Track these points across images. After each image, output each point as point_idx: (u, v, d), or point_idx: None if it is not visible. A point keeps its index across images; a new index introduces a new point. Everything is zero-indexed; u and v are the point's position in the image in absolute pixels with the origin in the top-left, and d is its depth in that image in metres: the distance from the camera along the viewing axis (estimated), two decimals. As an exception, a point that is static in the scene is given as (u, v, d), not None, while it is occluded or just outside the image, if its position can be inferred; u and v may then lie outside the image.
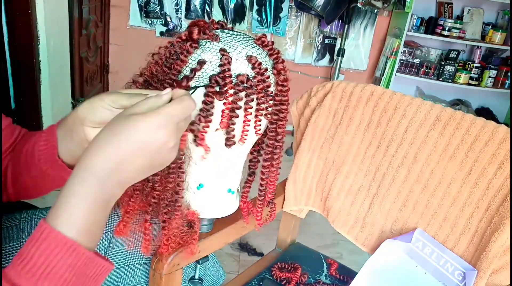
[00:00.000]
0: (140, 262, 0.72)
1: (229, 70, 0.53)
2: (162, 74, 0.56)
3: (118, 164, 0.42)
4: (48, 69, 1.85)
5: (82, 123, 0.54)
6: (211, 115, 0.55)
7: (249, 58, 0.55)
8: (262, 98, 0.56)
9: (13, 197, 0.65)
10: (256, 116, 0.57)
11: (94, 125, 0.54)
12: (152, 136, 0.43)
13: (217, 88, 0.54)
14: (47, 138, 0.58)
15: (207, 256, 0.73)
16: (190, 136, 0.57)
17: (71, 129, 0.56)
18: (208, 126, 0.55)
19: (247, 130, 0.57)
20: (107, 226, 0.69)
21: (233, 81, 0.54)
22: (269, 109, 0.59)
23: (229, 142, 0.57)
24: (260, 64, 0.55)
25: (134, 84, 0.59)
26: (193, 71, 0.53)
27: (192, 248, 0.64)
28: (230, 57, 0.54)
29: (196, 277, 0.76)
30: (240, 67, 0.55)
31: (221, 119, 0.55)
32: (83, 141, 0.55)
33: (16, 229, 0.66)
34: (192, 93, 0.54)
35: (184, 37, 0.55)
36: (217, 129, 0.57)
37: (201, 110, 0.54)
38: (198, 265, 0.74)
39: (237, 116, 0.55)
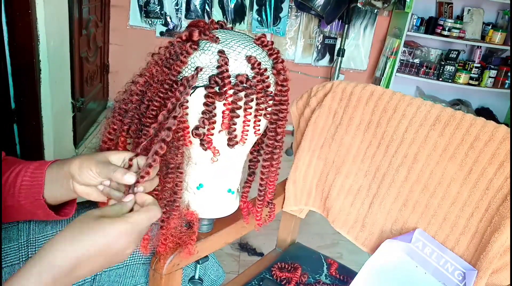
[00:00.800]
0: (139, 262, 0.72)
1: (227, 71, 0.53)
2: (162, 75, 0.56)
3: (77, 262, 0.44)
4: (48, 69, 1.85)
5: (72, 178, 0.56)
6: (214, 116, 0.55)
7: (249, 58, 0.55)
8: (262, 98, 0.56)
9: None
10: (255, 116, 0.57)
11: (81, 184, 0.56)
12: (116, 241, 0.46)
13: (216, 89, 0.54)
14: (33, 174, 0.58)
15: (207, 256, 0.73)
16: (196, 141, 0.57)
17: (62, 178, 0.57)
18: (213, 128, 0.55)
19: (247, 130, 0.57)
20: None
21: (233, 81, 0.54)
22: (269, 109, 0.59)
23: (231, 142, 0.57)
24: (259, 64, 0.55)
25: (134, 84, 0.59)
26: (193, 77, 0.54)
27: (190, 248, 0.64)
28: (227, 58, 0.54)
29: (196, 277, 0.76)
30: (239, 67, 0.55)
31: (222, 120, 0.55)
32: (70, 191, 0.57)
33: (15, 230, 0.66)
34: (192, 93, 0.54)
35: (184, 38, 0.55)
36: (220, 131, 0.57)
37: (203, 112, 0.54)
38: (198, 265, 0.74)
39: (237, 116, 0.56)
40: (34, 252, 0.65)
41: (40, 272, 0.42)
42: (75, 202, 0.63)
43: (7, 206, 0.60)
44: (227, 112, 0.55)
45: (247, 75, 0.55)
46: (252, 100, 0.56)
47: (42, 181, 0.57)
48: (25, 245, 0.66)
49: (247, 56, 0.56)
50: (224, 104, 0.54)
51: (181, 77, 0.55)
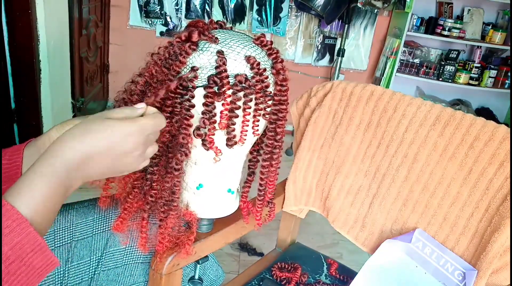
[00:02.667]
0: (138, 261, 0.72)
1: (225, 71, 0.53)
2: (161, 75, 0.56)
3: (87, 158, 0.45)
4: (48, 69, 1.85)
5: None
6: (214, 115, 0.55)
7: (248, 58, 0.55)
8: (261, 98, 0.56)
9: None
10: (254, 116, 0.57)
11: None
12: (123, 141, 0.47)
13: (215, 89, 0.54)
14: (10, 157, 0.58)
15: (206, 256, 0.73)
16: (197, 141, 0.57)
17: (40, 150, 0.57)
18: (214, 128, 0.55)
19: (246, 130, 0.57)
20: (104, 225, 0.69)
21: (231, 81, 0.54)
22: (268, 109, 0.59)
23: (230, 142, 0.57)
24: (258, 64, 0.55)
25: (134, 84, 0.59)
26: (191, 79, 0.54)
27: (188, 248, 0.64)
28: (225, 58, 0.54)
29: (196, 277, 0.76)
30: (238, 67, 0.55)
31: (220, 120, 0.55)
32: None
33: None
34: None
35: (183, 38, 0.55)
36: (215, 129, 0.57)
37: (203, 113, 0.54)
38: (198, 265, 0.74)
39: (236, 116, 0.55)
40: None
41: (53, 163, 0.43)
42: None
43: None
44: (225, 112, 0.55)
45: (246, 75, 0.55)
46: (251, 100, 0.56)
47: (19, 161, 0.58)
48: None
49: (246, 56, 0.56)
50: (223, 104, 0.54)
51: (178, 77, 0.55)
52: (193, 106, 0.54)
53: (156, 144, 0.53)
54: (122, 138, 0.47)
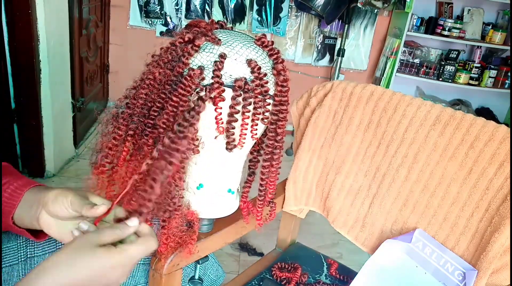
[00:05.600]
0: (139, 262, 0.71)
1: (218, 77, 0.53)
2: (165, 76, 0.56)
3: None
4: (48, 69, 1.85)
5: (42, 205, 0.55)
6: (196, 115, 0.54)
7: (249, 62, 0.55)
8: (260, 103, 0.56)
9: None
10: (252, 120, 0.57)
11: (49, 213, 0.55)
12: (111, 273, 0.46)
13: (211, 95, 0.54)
14: (11, 195, 0.58)
15: (207, 256, 0.73)
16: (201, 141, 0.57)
17: (32, 204, 0.56)
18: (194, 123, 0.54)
19: (245, 134, 0.57)
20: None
21: (231, 84, 0.54)
22: (266, 113, 0.59)
23: (229, 146, 0.57)
24: (259, 68, 0.55)
25: (139, 88, 0.58)
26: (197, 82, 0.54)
27: (191, 248, 0.64)
28: (221, 65, 0.54)
29: (196, 277, 0.76)
30: (239, 70, 0.55)
31: (217, 126, 0.55)
32: (33, 219, 0.56)
33: None
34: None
35: (186, 39, 0.55)
36: (216, 137, 0.57)
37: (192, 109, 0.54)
38: (198, 265, 0.74)
39: (236, 120, 0.56)
40: (32, 253, 0.65)
41: None
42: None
43: None
44: (219, 117, 0.55)
45: (245, 78, 0.55)
46: (250, 104, 0.56)
47: (16, 202, 0.57)
48: (23, 245, 0.66)
49: (247, 59, 0.55)
50: (215, 110, 0.54)
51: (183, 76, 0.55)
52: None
53: None
54: (109, 271, 0.45)
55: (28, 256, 0.65)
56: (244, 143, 0.58)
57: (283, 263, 0.98)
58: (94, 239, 0.47)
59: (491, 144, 0.70)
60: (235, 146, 0.57)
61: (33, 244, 0.66)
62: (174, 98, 0.54)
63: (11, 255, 0.64)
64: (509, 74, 3.00)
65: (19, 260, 0.64)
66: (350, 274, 0.95)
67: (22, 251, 0.65)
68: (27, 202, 0.57)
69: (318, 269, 0.98)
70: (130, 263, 0.48)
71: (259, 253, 1.71)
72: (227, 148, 0.58)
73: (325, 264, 1.00)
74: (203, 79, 0.54)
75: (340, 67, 2.83)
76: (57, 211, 0.54)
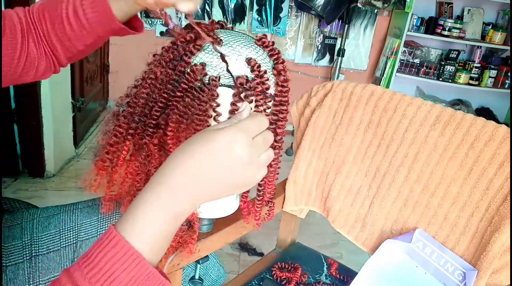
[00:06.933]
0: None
1: (215, 84, 0.54)
2: (166, 76, 0.56)
3: (192, 179, 0.42)
4: (48, 69, 1.85)
5: None
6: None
7: (249, 61, 0.56)
8: (261, 101, 0.57)
9: (67, 63, 0.68)
10: None
11: None
12: (228, 150, 0.42)
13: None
14: (93, 4, 0.60)
15: (207, 256, 0.73)
16: None
17: None
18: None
19: None
20: (108, 225, 0.70)
21: (232, 84, 0.55)
22: (268, 111, 0.59)
23: None
24: (259, 66, 0.56)
25: (140, 87, 0.59)
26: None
27: (191, 247, 0.64)
28: (226, 62, 0.54)
29: (196, 277, 0.76)
30: (239, 68, 0.55)
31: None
32: (134, 2, 0.62)
33: (18, 228, 0.66)
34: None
35: (188, 39, 0.56)
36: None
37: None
38: (199, 265, 0.74)
39: None
40: (38, 251, 0.65)
41: (158, 192, 0.41)
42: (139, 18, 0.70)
43: (89, 44, 0.64)
44: (220, 116, 0.55)
45: (247, 76, 0.55)
46: (251, 102, 0.56)
47: (107, 6, 0.60)
48: (29, 243, 0.66)
49: (247, 58, 0.56)
50: (214, 109, 0.55)
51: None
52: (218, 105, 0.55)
53: (271, 150, 0.48)
54: (225, 148, 0.42)
55: (33, 254, 0.65)
56: None
57: (283, 263, 0.98)
58: (207, 129, 0.45)
59: (491, 144, 0.70)
60: None
61: (37, 243, 0.66)
62: (178, 93, 0.54)
63: (16, 254, 0.65)
64: (509, 74, 3.00)
65: (24, 258, 0.65)
66: (350, 274, 0.95)
67: (27, 250, 0.65)
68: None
69: (318, 269, 0.98)
70: (247, 138, 0.43)
71: (259, 253, 1.71)
72: None
73: (325, 264, 1.00)
74: (205, 75, 0.54)
75: (340, 67, 2.84)
76: None
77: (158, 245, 0.42)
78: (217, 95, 0.54)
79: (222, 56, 0.54)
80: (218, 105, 0.55)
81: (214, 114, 0.55)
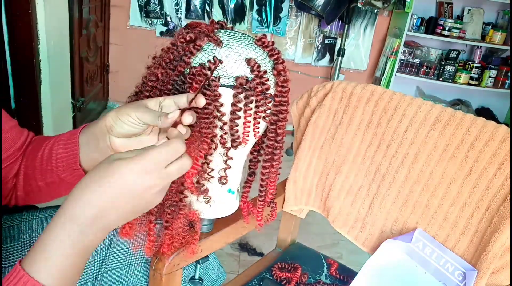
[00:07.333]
0: (141, 261, 0.72)
1: (215, 85, 0.54)
2: (167, 76, 0.56)
3: (101, 210, 0.42)
4: (48, 69, 1.85)
5: (108, 132, 0.54)
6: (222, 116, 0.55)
7: (248, 61, 0.56)
8: (261, 101, 0.57)
9: (22, 202, 0.64)
10: (254, 118, 0.58)
11: (119, 136, 0.54)
12: (135, 181, 0.42)
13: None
14: (66, 145, 0.57)
15: (207, 256, 0.73)
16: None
17: (97, 137, 0.55)
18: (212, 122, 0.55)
19: (248, 131, 0.58)
20: None
21: (232, 84, 0.55)
22: (268, 111, 0.59)
23: (234, 143, 0.58)
24: (259, 66, 0.56)
25: (142, 89, 0.59)
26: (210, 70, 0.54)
27: (193, 247, 0.64)
28: (219, 61, 0.54)
29: (196, 277, 0.76)
30: (239, 69, 0.55)
31: (219, 123, 0.56)
32: (107, 150, 0.55)
33: (17, 229, 0.66)
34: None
35: (188, 39, 0.56)
36: (221, 135, 0.57)
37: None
38: (199, 265, 0.74)
39: (238, 118, 0.56)
40: None
41: (65, 226, 0.41)
42: None
43: (49, 183, 0.60)
44: (221, 115, 0.55)
45: (247, 77, 0.55)
46: (251, 102, 0.56)
47: (76, 150, 0.56)
48: (27, 244, 0.66)
49: (247, 58, 0.56)
50: (217, 109, 0.55)
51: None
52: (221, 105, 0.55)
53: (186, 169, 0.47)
54: (134, 179, 0.42)
55: None
56: (247, 140, 0.58)
57: (283, 263, 0.98)
58: (114, 156, 0.44)
59: (491, 144, 0.70)
60: (240, 143, 0.58)
61: None
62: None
63: (15, 255, 0.64)
64: (509, 74, 3.00)
65: None
66: (350, 274, 0.96)
67: (26, 250, 0.65)
68: (88, 141, 0.56)
69: (318, 269, 0.98)
70: (155, 167, 0.43)
71: (259, 253, 1.71)
72: (232, 146, 0.58)
73: (325, 264, 1.00)
74: (205, 75, 0.54)
75: (340, 67, 2.83)
76: (126, 130, 0.52)
77: (68, 277, 0.42)
78: (219, 95, 0.54)
79: (215, 59, 0.54)
80: (221, 105, 0.55)
81: (218, 114, 0.55)
